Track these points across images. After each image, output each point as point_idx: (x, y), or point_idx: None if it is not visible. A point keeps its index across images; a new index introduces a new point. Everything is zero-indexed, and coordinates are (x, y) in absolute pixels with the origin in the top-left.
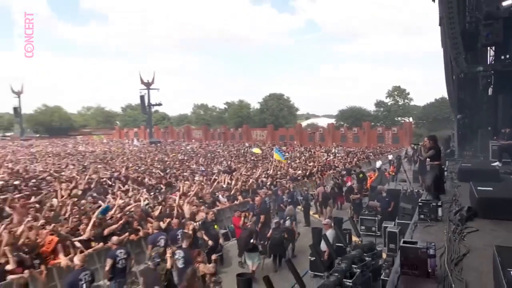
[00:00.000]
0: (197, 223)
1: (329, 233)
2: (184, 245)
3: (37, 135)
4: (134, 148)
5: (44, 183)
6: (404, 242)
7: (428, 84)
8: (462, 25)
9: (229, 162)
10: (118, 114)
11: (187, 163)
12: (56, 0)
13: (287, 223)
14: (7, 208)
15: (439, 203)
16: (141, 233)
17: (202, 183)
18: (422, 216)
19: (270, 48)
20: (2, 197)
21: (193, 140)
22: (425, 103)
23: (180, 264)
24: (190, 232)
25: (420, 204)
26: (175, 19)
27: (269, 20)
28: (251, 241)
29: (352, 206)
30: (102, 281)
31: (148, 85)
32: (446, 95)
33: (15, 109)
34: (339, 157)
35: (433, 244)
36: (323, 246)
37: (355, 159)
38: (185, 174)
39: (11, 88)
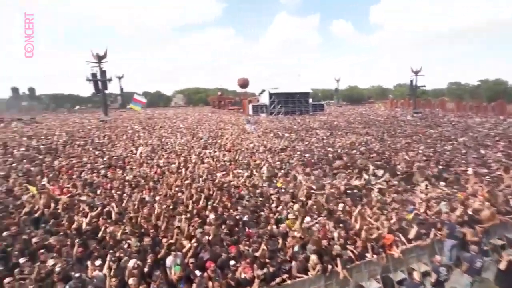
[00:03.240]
0: None
1: None
2: None
3: (344, 103)
4: (405, 118)
5: None
6: None
7: None
8: None
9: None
10: (390, 89)
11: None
12: (354, 16)
13: None
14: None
15: None
16: None
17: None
18: None
19: None
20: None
21: (439, 110)
22: None
23: None
24: None
25: None
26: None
27: None
28: None
29: None
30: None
31: (416, 72)
32: None
33: (336, 88)
34: None
35: None
36: None
37: None
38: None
39: (334, 78)
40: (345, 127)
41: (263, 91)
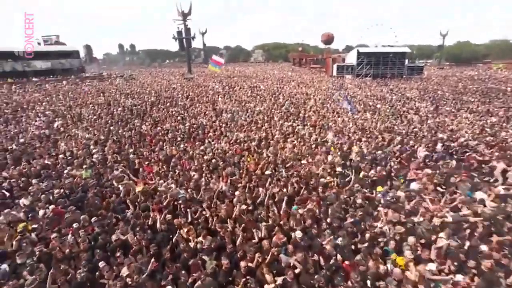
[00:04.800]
0: None
1: None
2: None
3: (447, 63)
4: None
5: None
6: None
7: None
8: None
9: None
10: None
11: None
12: None
13: None
14: None
15: None
16: None
17: None
18: None
19: None
20: None
21: None
22: None
23: None
24: None
25: None
26: None
27: None
28: None
29: None
30: None
31: None
32: None
33: (439, 45)
34: None
35: None
36: None
37: None
38: None
39: (440, 32)
40: (453, 100)
41: (348, 48)
